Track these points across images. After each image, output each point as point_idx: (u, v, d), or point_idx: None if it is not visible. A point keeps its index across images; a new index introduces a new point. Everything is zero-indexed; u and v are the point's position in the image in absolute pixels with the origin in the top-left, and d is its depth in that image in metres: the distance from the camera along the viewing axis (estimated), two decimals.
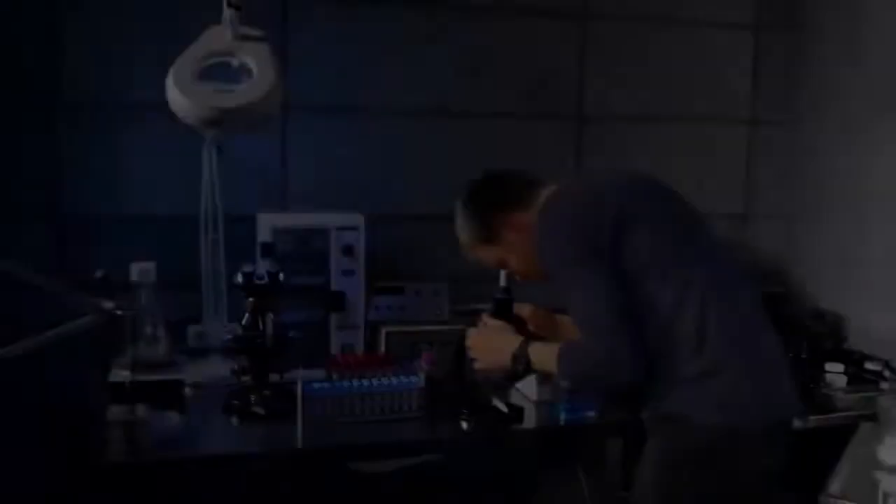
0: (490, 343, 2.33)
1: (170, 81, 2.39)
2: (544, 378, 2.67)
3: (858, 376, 2.99)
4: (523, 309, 2.47)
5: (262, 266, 2.62)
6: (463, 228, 2.33)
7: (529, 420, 2.58)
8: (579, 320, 2.04)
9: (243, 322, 2.57)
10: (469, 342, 2.38)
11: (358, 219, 2.87)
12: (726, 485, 2.04)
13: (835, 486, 2.13)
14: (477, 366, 2.36)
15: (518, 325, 2.48)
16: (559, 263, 2.07)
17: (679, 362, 2.01)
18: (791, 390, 2.12)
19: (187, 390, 2.61)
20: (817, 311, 3.37)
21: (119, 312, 2.15)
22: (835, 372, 2.92)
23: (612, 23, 3.44)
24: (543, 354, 2.18)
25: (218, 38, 2.50)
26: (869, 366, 3.01)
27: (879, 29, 3.26)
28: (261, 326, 2.56)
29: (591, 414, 2.56)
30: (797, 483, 2.81)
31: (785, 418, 2.09)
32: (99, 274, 2.14)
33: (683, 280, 2.02)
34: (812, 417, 2.71)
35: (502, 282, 2.47)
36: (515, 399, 2.70)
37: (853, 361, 3.05)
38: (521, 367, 2.22)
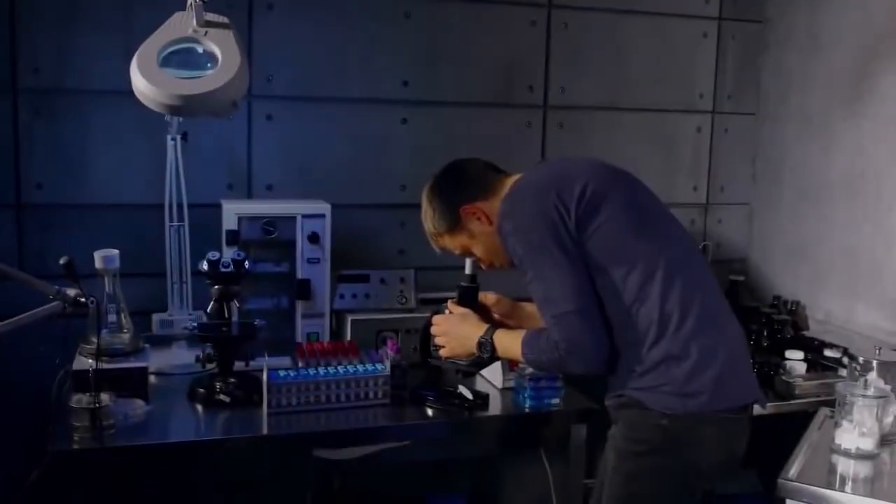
0: (456, 330, 2.33)
1: (134, 68, 2.37)
2: (510, 364, 2.70)
3: (818, 363, 3.03)
4: (488, 297, 2.48)
5: (228, 254, 2.62)
6: (428, 217, 2.33)
7: (494, 407, 2.61)
8: (542, 306, 2.06)
9: (208, 310, 2.57)
10: (435, 329, 2.38)
11: (324, 207, 2.87)
12: (689, 471, 2.06)
13: (793, 470, 2.17)
14: (443, 352, 2.36)
15: (483, 312, 2.50)
16: (523, 248, 2.07)
17: (641, 349, 2.03)
18: (752, 377, 2.16)
19: (152, 378, 2.61)
20: (777, 299, 3.41)
21: (82, 300, 2.13)
22: (795, 359, 2.95)
23: (577, 12, 3.45)
24: (508, 341, 2.20)
25: (183, 24, 2.48)
26: (828, 353, 3.05)
27: (837, 25, 3.31)
28: (226, 314, 2.56)
29: (556, 401, 2.59)
30: (758, 467, 2.87)
31: (746, 404, 2.12)
32: (62, 261, 2.12)
33: (647, 267, 2.04)
34: (772, 404, 2.76)
35: (468, 270, 2.47)
36: (481, 386, 2.73)
37: (813, 349, 3.09)
38: (486, 353, 2.24)
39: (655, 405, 2.03)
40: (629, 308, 2.04)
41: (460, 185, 2.28)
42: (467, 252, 2.34)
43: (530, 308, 2.48)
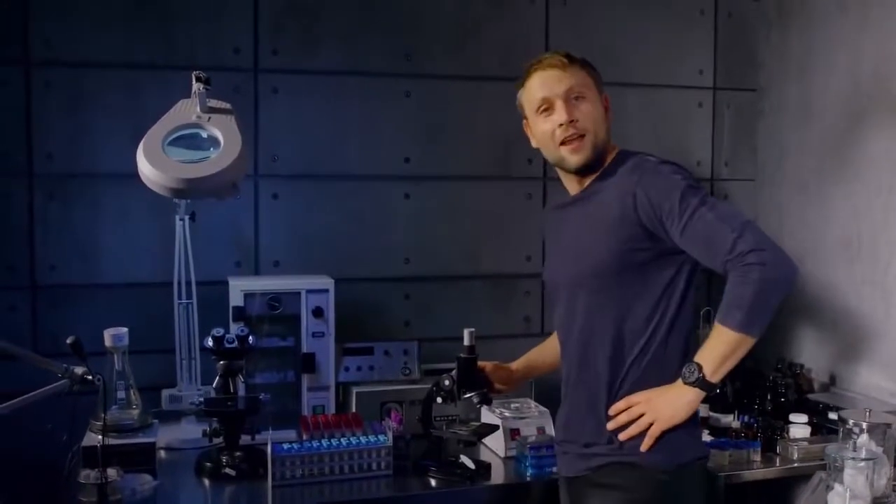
0: (657, 397, 2.10)
1: (140, 154, 2.48)
2: (511, 434, 2.74)
3: (823, 427, 3.04)
4: (485, 366, 2.54)
5: (233, 330, 2.69)
6: (583, 63, 2.24)
7: (497, 476, 2.64)
8: (718, 229, 1.99)
9: (214, 385, 2.64)
10: (636, 409, 2.12)
11: (327, 282, 2.94)
12: None
13: None
14: (655, 427, 2.09)
15: (484, 381, 2.55)
16: (686, 182, 2.07)
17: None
18: None
19: (161, 453, 2.66)
20: (781, 362, 3.42)
21: (89, 377, 2.20)
22: (799, 423, 2.96)
23: None
24: (709, 345, 2.05)
25: (187, 110, 2.59)
26: (832, 416, 3.05)
27: (827, 92, 3.38)
28: (231, 389, 2.62)
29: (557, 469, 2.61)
30: None
31: (704, 455, 2.22)
32: (69, 340, 2.20)
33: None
34: (774, 468, 2.77)
35: (466, 341, 2.54)
36: (484, 455, 2.76)
37: (817, 412, 3.10)
38: (695, 376, 2.04)
39: (653, 463, 2.09)
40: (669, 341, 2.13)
41: None
42: (579, 92, 2.19)
43: (524, 370, 2.56)
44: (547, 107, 2.19)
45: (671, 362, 2.11)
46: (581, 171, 2.21)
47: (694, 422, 2.15)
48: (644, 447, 2.08)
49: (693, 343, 2.17)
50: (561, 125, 2.16)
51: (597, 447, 2.16)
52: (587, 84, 2.20)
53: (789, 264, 1.99)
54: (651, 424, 2.07)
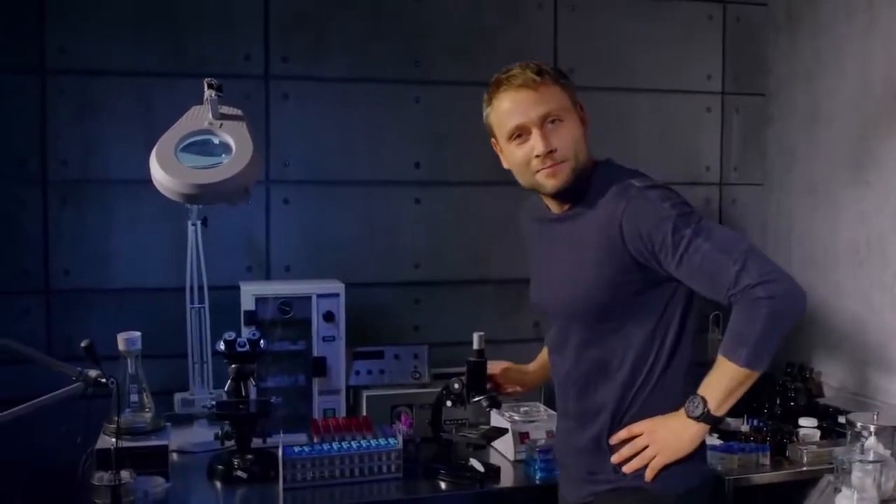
0: (660, 428, 2.03)
1: (153, 160, 2.50)
2: (520, 437, 2.76)
3: (833, 431, 3.04)
4: (494, 367, 2.55)
5: (245, 334, 2.72)
6: (557, 75, 2.07)
7: (507, 479, 2.65)
8: (718, 257, 1.88)
9: (226, 388, 2.66)
10: (640, 441, 2.04)
11: (338, 286, 2.97)
12: None
13: None
14: (658, 460, 2.03)
15: (493, 384, 2.57)
16: (678, 210, 1.95)
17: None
18: None
19: (174, 456, 2.69)
20: (791, 366, 3.43)
21: (103, 380, 2.22)
22: (808, 427, 2.97)
23: (582, 92, 3.49)
24: (713, 377, 1.98)
25: (199, 117, 2.62)
26: (842, 419, 3.05)
27: (836, 97, 3.39)
28: (243, 392, 2.65)
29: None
30: None
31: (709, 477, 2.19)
32: (83, 344, 2.22)
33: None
34: (784, 472, 2.77)
35: (475, 345, 2.55)
36: (493, 459, 2.78)
37: (828, 416, 3.10)
38: (700, 410, 1.97)
39: (661, 489, 2.03)
40: (670, 368, 2.04)
41: None
42: (556, 115, 2.01)
43: (535, 373, 2.55)
44: (520, 133, 2.02)
45: (674, 387, 2.03)
46: (559, 196, 2.07)
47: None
48: (647, 478, 2.02)
49: (695, 367, 2.08)
50: (538, 156, 2.00)
51: (601, 475, 2.10)
52: (563, 105, 2.02)
53: (798, 293, 1.89)
54: (654, 457, 2.01)
